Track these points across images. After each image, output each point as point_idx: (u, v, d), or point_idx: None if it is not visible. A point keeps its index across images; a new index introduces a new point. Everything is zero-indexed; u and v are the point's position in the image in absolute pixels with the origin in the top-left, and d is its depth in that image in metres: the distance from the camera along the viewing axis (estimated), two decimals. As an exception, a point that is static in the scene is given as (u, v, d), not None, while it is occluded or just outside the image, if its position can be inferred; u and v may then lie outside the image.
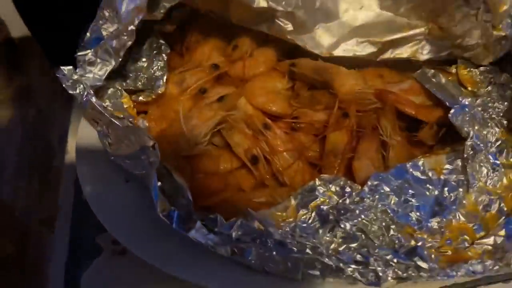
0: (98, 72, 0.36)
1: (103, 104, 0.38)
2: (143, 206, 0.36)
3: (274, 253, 0.30)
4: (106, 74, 0.36)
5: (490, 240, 0.30)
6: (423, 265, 0.28)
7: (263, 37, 0.42)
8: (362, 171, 0.34)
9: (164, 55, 0.42)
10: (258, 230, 0.31)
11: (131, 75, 0.41)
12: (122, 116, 0.35)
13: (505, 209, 0.32)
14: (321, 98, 0.40)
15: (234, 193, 0.37)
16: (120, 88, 0.40)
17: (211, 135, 0.39)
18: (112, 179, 0.38)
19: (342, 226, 0.30)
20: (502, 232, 0.30)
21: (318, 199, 0.32)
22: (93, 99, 0.33)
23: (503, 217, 0.31)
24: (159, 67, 0.41)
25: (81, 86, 0.34)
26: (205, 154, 0.38)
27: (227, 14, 0.39)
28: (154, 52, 0.42)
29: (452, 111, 0.34)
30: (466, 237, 0.31)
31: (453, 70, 0.40)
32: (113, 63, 0.36)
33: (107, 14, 0.34)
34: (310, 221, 0.31)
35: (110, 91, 0.39)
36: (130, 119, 0.34)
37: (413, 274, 0.28)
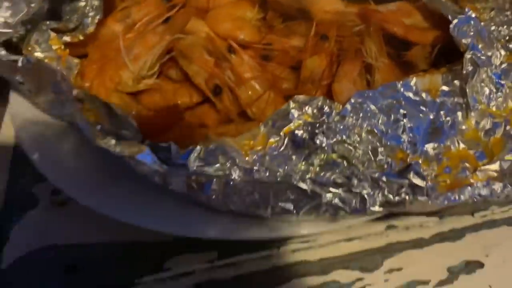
0: (5, 14, 0.31)
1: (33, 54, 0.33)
2: (86, 151, 0.30)
3: (239, 185, 0.25)
4: (14, 20, 0.31)
5: (496, 165, 0.25)
6: (420, 183, 0.23)
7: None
8: (343, 94, 0.29)
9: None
10: (220, 159, 0.25)
11: (66, 16, 0.35)
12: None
13: (512, 132, 0.27)
14: (297, 28, 0.35)
15: (194, 130, 0.31)
16: (46, 29, 0.34)
17: (167, 68, 0.34)
18: (50, 123, 0.32)
19: (319, 151, 0.25)
20: (509, 156, 0.25)
21: (292, 124, 0.26)
22: None
23: (510, 141, 0.26)
24: (94, 7, 0.35)
25: None
26: (156, 88, 0.33)
27: None
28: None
29: (455, 21, 0.29)
30: (467, 165, 0.26)
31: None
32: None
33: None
34: (282, 148, 0.26)
35: (41, 38, 0.33)
36: (31, 59, 0.29)
37: (407, 197, 0.23)
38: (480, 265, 0.29)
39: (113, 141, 0.25)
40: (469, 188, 0.24)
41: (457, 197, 0.23)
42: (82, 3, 0.35)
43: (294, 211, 0.25)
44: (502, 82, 0.28)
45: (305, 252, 0.29)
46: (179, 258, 0.28)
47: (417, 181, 0.23)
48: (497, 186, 0.24)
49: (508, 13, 0.33)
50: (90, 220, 0.29)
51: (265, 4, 0.36)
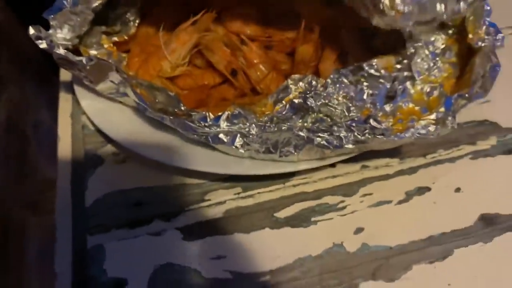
0: (66, 34, 0.40)
1: (89, 52, 0.43)
2: (138, 119, 0.42)
3: (256, 137, 0.36)
4: (72, 36, 0.40)
5: (433, 115, 0.37)
6: (377, 125, 0.34)
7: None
8: (326, 71, 0.40)
9: (139, 2, 0.46)
10: (242, 120, 0.37)
11: (111, 21, 0.46)
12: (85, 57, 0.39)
13: (445, 92, 0.38)
14: (290, 23, 0.46)
15: (219, 103, 0.42)
16: (100, 32, 0.44)
17: (194, 58, 0.45)
18: (109, 102, 0.43)
19: (310, 112, 0.36)
20: (442, 109, 0.37)
21: (291, 95, 0.38)
22: (59, 51, 0.38)
23: (443, 98, 0.38)
24: (133, 13, 0.46)
25: (49, 40, 0.38)
26: (188, 74, 0.44)
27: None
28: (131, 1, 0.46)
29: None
30: (414, 116, 0.37)
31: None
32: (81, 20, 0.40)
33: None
34: (284, 112, 0.37)
35: (94, 39, 0.44)
36: (92, 58, 0.39)
37: (369, 136, 0.35)
38: (428, 189, 0.40)
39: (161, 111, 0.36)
40: (412, 129, 0.35)
41: (404, 135, 0.35)
42: (124, 10, 0.46)
43: (295, 153, 0.36)
44: (437, 59, 0.40)
45: (303, 185, 0.40)
46: (214, 192, 0.40)
47: (375, 124, 0.35)
48: (432, 127, 0.35)
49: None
50: (145, 169, 0.41)
51: (265, 4, 0.47)
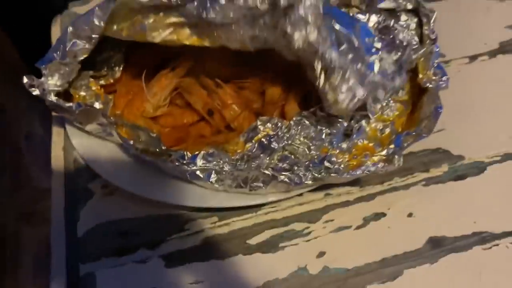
0: (57, 81, 0.44)
1: (79, 94, 0.48)
2: (124, 155, 0.46)
3: (228, 173, 0.41)
4: (62, 82, 0.44)
5: (384, 151, 0.42)
6: (331, 166, 0.39)
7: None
8: (291, 112, 0.45)
9: (123, 48, 0.51)
10: (216, 158, 0.41)
11: (98, 65, 0.50)
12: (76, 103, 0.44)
13: (396, 130, 0.43)
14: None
15: (197, 139, 0.47)
16: (88, 76, 0.49)
17: (175, 98, 0.49)
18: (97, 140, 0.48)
19: (276, 150, 0.41)
20: (392, 146, 0.42)
21: (259, 134, 0.43)
22: (51, 98, 0.42)
23: (394, 135, 0.43)
24: (118, 58, 0.50)
25: (42, 88, 0.42)
26: (169, 113, 0.49)
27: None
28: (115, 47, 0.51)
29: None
30: (368, 152, 0.42)
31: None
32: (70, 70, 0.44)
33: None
34: (254, 150, 0.42)
35: (83, 82, 0.48)
36: (81, 104, 0.43)
37: (324, 174, 0.40)
38: (384, 214, 0.45)
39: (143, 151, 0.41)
40: (363, 167, 0.40)
41: (355, 173, 0.40)
42: (110, 54, 0.50)
43: (263, 187, 0.41)
44: (390, 99, 0.45)
45: (273, 213, 0.45)
46: (193, 222, 0.44)
47: (329, 165, 0.40)
48: (380, 165, 0.40)
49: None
50: (131, 201, 0.45)
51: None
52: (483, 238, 0.44)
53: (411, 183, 0.48)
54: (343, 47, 0.38)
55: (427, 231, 0.44)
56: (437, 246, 0.43)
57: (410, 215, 0.45)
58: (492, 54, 0.62)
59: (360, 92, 0.39)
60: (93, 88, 0.49)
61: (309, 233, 0.44)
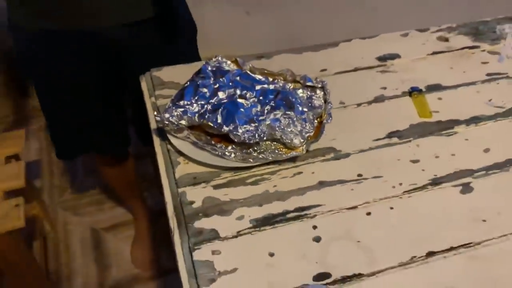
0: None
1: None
2: (195, 146, 1.09)
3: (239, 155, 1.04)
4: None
5: (302, 147, 1.04)
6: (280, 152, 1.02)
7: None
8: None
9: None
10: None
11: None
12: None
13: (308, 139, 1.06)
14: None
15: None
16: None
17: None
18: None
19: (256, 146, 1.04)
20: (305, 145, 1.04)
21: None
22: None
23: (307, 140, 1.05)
24: None
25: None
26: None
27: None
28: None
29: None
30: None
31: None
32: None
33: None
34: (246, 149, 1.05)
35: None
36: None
37: (275, 155, 1.02)
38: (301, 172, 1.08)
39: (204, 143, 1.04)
40: (293, 153, 1.02)
41: (291, 155, 1.02)
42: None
43: (252, 160, 1.03)
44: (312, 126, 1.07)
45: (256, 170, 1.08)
46: (224, 172, 1.07)
47: (278, 151, 1.02)
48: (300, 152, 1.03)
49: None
50: (198, 165, 1.07)
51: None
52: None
53: (317, 160, 1.10)
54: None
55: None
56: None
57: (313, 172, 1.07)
58: (370, 102, 1.25)
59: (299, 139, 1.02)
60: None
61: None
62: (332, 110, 1.10)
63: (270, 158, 1.02)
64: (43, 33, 1.18)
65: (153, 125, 1.18)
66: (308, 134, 0.98)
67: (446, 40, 1.49)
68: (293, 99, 1.05)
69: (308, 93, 1.10)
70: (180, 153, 1.08)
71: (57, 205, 2.41)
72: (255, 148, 1.02)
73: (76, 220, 2.36)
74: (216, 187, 1.02)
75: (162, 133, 1.12)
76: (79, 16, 1.16)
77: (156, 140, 1.14)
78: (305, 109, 1.05)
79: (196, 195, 1.01)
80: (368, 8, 2.81)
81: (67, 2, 1.12)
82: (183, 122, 0.97)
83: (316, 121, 1.08)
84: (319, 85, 1.11)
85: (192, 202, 0.99)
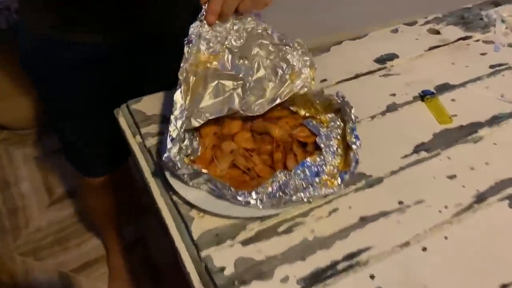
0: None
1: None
2: (209, 195, 0.92)
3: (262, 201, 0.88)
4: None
5: (336, 182, 0.91)
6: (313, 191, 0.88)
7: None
8: (290, 166, 0.93)
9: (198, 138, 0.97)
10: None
11: (185, 149, 0.95)
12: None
13: (339, 170, 0.92)
14: (265, 138, 0.99)
15: (241, 183, 0.93)
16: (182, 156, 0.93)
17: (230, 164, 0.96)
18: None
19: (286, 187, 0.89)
20: (339, 180, 0.91)
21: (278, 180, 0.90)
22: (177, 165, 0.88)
23: (339, 172, 0.92)
24: (197, 144, 0.96)
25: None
26: (227, 171, 0.95)
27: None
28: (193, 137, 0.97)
29: (317, 138, 0.95)
30: (328, 182, 0.91)
31: (318, 117, 1.01)
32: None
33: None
34: (275, 189, 0.89)
35: (178, 157, 0.93)
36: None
37: (309, 195, 0.88)
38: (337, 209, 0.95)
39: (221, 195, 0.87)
40: (327, 189, 0.89)
41: (327, 192, 0.89)
42: (189, 142, 0.96)
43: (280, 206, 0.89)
44: (335, 153, 0.94)
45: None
46: (245, 223, 0.91)
47: (311, 190, 0.88)
48: (337, 187, 0.89)
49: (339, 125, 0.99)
50: (215, 218, 0.91)
51: (252, 129, 1.00)
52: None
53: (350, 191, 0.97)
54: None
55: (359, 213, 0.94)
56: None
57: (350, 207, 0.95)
58: (384, 113, 1.14)
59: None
60: (186, 161, 0.94)
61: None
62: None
63: (305, 200, 0.88)
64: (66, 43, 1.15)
65: (146, 173, 0.99)
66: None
67: (438, 32, 1.41)
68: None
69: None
70: (191, 205, 0.90)
71: (13, 252, 2.12)
72: (285, 191, 0.87)
73: (39, 266, 2.10)
74: (244, 243, 0.87)
75: (164, 181, 0.93)
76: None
77: (156, 192, 0.96)
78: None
79: (224, 258, 0.84)
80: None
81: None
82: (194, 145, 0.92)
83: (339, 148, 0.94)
84: (339, 100, 0.97)
85: (222, 269, 0.82)
